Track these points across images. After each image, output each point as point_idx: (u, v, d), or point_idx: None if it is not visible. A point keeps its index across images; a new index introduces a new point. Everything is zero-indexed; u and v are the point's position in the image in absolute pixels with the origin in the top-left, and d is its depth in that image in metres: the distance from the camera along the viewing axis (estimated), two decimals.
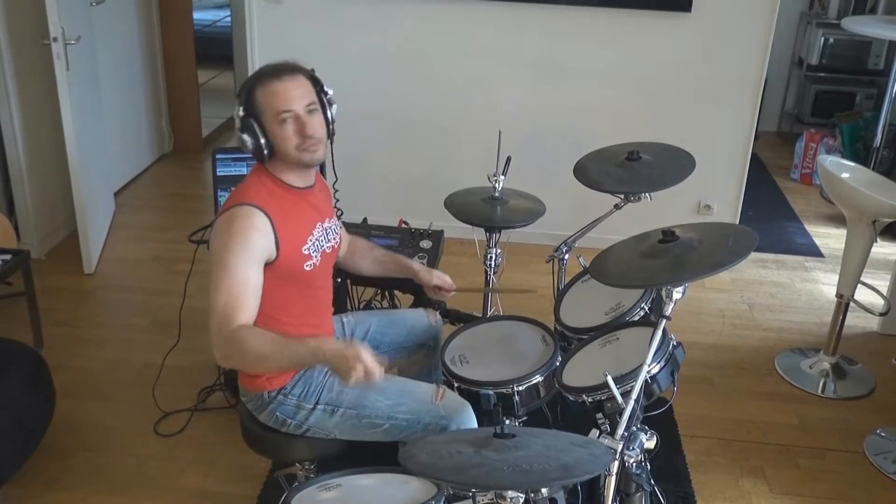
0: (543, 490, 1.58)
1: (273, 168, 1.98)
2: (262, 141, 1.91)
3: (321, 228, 2.06)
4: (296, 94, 1.92)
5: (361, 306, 2.90)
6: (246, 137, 1.92)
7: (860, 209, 3.00)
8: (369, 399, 2.01)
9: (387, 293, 2.87)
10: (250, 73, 4.08)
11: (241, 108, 1.92)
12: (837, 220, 4.72)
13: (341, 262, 2.35)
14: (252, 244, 1.86)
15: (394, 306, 2.88)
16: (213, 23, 5.92)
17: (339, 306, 2.56)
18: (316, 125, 1.94)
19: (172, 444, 2.78)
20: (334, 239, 2.13)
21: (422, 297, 2.61)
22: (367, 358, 1.77)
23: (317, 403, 2.02)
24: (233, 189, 2.04)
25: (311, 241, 2.01)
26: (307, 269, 2.00)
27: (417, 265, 2.38)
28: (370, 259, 2.39)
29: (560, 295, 2.53)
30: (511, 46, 3.98)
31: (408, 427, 1.99)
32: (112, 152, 4.55)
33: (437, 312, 2.45)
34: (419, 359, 2.38)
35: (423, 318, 2.39)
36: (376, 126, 4.10)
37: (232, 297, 1.82)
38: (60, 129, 3.62)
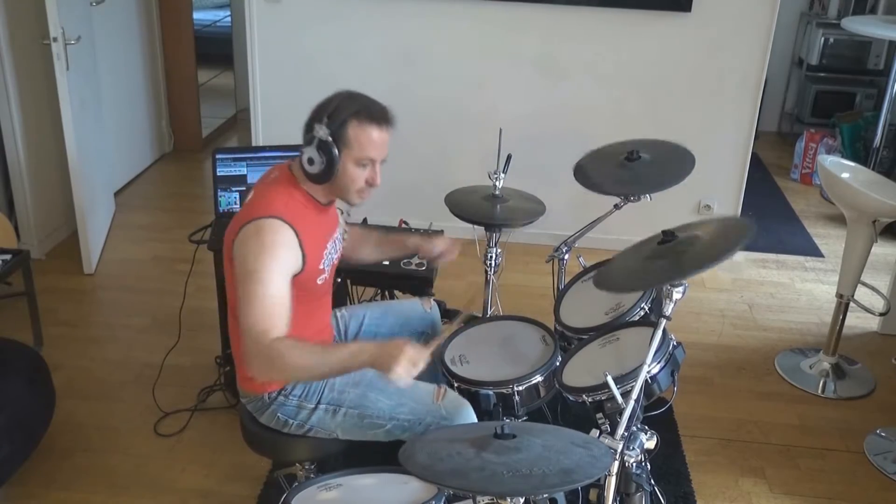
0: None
1: (305, 183, 1.97)
2: (334, 170, 1.89)
3: (332, 242, 2.08)
4: (384, 146, 1.94)
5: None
6: (317, 157, 1.88)
7: (860, 209, 3.00)
8: (371, 399, 2.01)
9: (386, 293, 2.87)
10: (250, 73, 4.13)
11: (329, 132, 1.87)
12: (837, 220, 4.72)
13: (344, 257, 2.35)
14: (282, 259, 1.85)
15: None
16: (213, 23, 5.91)
17: (340, 305, 2.56)
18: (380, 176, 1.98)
19: (172, 444, 2.78)
20: (339, 249, 2.15)
21: (422, 296, 2.61)
22: (410, 348, 1.77)
23: (318, 403, 2.02)
24: (254, 189, 2.00)
25: (325, 254, 2.02)
26: (319, 282, 2.01)
27: (414, 239, 2.35)
28: (369, 246, 2.38)
29: (560, 295, 2.53)
30: (511, 46, 3.98)
31: (410, 427, 1.99)
32: (112, 152, 4.55)
33: (432, 299, 2.44)
34: None
35: (416, 307, 2.40)
36: None
37: (266, 311, 1.79)
38: (60, 129, 3.62)
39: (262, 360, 1.80)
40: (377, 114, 1.92)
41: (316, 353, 1.83)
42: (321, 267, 2.00)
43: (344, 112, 1.89)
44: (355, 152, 1.90)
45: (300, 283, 1.93)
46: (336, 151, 1.88)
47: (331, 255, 2.06)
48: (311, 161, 1.89)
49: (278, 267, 1.84)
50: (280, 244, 1.85)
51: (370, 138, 1.90)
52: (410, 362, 1.76)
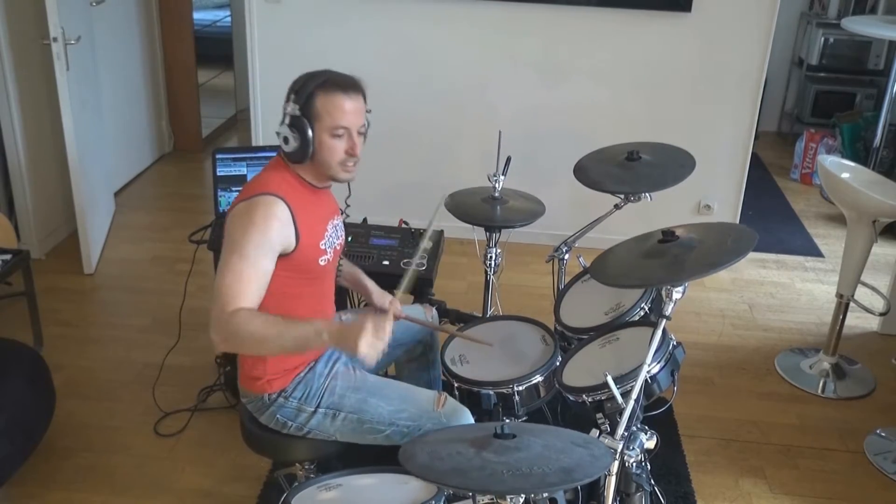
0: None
1: (296, 167, 1.98)
2: (309, 144, 1.90)
3: (332, 225, 2.07)
4: (356, 114, 1.93)
5: (362, 305, 2.89)
6: (291, 136, 1.89)
7: (860, 209, 3.00)
8: (371, 404, 2.01)
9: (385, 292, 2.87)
10: (250, 73, 4.13)
11: (297, 108, 1.89)
12: (837, 220, 4.72)
13: None
14: (271, 233, 1.85)
15: None
16: (213, 23, 5.91)
17: (340, 305, 2.56)
18: (360, 146, 1.98)
19: (172, 444, 2.78)
20: (341, 236, 2.15)
21: (421, 297, 2.61)
22: (370, 321, 1.73)
23: (318, 407, 2.02)
24: (249, 180, 2.02)
25: (326, 236, 2.02)
26: (322, 263, 2.01)
27: (373, 286, 2.34)
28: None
29: (560, 295, 2.53)
30: (511, 46, 3.98)
31: (409, 433, 1.99)
32: (112, 152, 4.55)
33: (434, 308, 2.45)
34: (416, 355, 2.39)
35: (419, 314, 2.39)
36: (376, 126, 4.04)
37: (238, 281, 1.80)
38: (60, 129, 3.62)
39: (223, 327, 1.78)
40: (342, 81, 1.93)
41: (276, 325, 1.78)
42: (322, 247, 1.99)
43: (310, 85, 1.90)
44: (327, 122, 1.90)
45: (299, 262, 1.93)
46: (308, 125, 1.89)
47: (332, 238, 2.05)
48: (286, 140, 1.90)
49: (263, 242, 1.84)
50: (271, 217, 1.85)
51: (339, 106, 1.90)
52: (374, 334, 1.73)
